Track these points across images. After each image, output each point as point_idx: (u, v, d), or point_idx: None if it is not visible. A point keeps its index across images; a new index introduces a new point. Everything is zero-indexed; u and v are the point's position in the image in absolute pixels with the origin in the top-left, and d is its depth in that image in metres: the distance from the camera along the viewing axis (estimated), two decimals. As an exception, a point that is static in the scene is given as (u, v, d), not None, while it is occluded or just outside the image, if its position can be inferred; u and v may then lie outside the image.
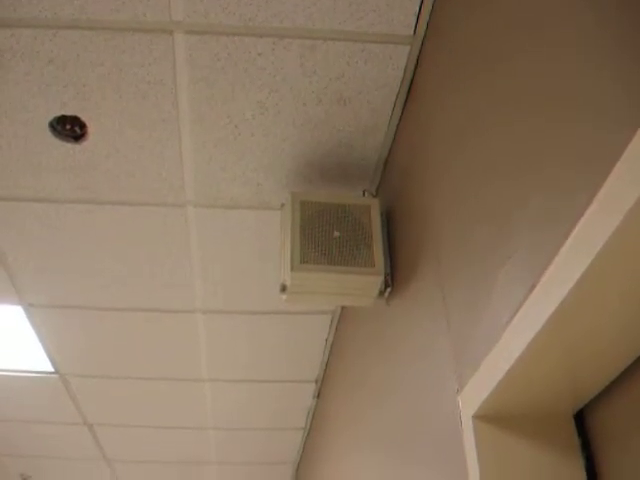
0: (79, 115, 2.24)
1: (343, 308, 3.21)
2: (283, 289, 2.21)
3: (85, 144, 2.35)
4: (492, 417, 1.36)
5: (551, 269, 1.07)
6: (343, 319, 3.23)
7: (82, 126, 2.28)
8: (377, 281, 2.18)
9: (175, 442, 4.85)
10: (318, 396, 4.05)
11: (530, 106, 1.21)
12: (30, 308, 3.26)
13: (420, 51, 2.03)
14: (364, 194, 2.51)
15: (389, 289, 2.22)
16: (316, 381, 3.93)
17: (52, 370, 3.84)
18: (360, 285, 2.19)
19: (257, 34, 1.98)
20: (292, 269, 2.13)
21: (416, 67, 2.08)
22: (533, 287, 1.14)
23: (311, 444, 4.38)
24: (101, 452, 4.98)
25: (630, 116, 0.87)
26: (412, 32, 1.98)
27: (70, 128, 2.28)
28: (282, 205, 2.33)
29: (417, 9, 1.91)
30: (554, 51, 1.12)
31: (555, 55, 1.12)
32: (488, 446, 1.33)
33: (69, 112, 2.22)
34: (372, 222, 2.24)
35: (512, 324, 1.21)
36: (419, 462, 1.81)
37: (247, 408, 4.28)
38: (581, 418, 1.35)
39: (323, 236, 2.19)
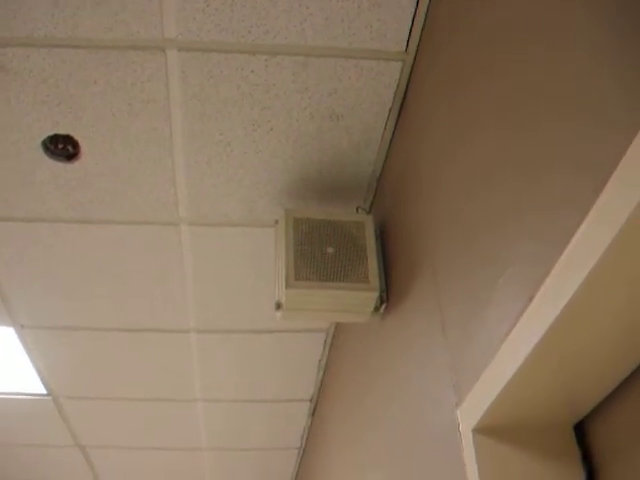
0: (72, 134, 2.24)
1: (337, 325, 3.19)
2: (278, 307, 2.20)
3: (77, 163, 2.35)
4: (492, 430, 1.35)
5: (548, 281, 1.07)
6: (337, 336, 3.22)
7: (75, 145, 2.27)
8: (372, 297, 2.17)
9: (169, 463, 4.81)
10: (313, 414, 4.02)
11: (523, 117, 1.22)
12: (22, 329, 3.24)
13: (412, 67, 2.04)
14: (357, 211, 2.51)
15: (384, 305, 2.21)
16: (311, 399, 3.91)
17: (44, 392, 3.81)
18: (355, 301, 2.19)
19: (250, 51, 1.99)
20: (287, 286, 2.12)
21: (408, 83, 2.09)
22: (530, 300, 1.14)
23: (307, 463, 4.35)
24: (94, 475, 4.93)
25: (627, 124, 0.87)
26: (404, 48, 1.99)
27: (63, 147, 2.28)
28: (276, 222, 2.32)
29: (409, 26, 1.93)
30: (547, 63, 1.13)
31: (548, 66, 1.12)
32: (488, 459, 1.32)
33: (62, 131, 2.22)
34: (366, 238, 2.24)
35: (510, 337, 1.21)
36: (419, 477, 1.80)
37: (241, 428, 4.25)
38: (582, 429, 1.35)
39: (317, 253, 2.18)
